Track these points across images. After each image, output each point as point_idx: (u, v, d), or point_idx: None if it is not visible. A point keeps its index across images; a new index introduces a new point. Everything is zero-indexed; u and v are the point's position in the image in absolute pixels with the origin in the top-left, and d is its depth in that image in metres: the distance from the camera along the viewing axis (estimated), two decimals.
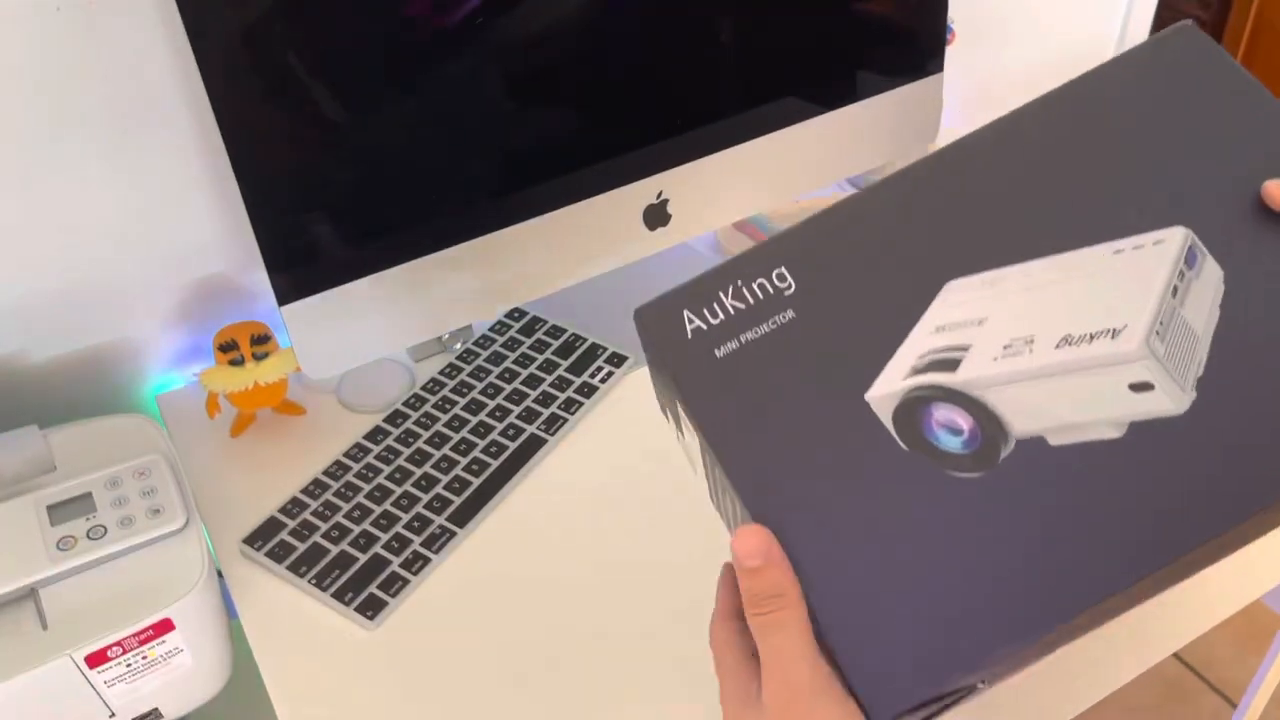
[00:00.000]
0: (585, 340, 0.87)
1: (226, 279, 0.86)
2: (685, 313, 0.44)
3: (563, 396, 0.82)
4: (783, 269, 0.44)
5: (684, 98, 0.78)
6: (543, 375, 0.84)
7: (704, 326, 0.44)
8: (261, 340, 0.79)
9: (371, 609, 0.68)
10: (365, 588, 0.69)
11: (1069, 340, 0.41)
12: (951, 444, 0.41)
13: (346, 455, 0.79)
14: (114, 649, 0.59)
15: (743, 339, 0.44)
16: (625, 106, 0.75)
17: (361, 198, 0.68)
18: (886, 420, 0.41)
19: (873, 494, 0.40)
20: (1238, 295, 0.41)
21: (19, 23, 0.69)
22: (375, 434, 0.80)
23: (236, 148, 0.62)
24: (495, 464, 0.77)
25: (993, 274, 0.43)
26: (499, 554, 0.72)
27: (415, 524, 0.73)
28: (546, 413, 0.81)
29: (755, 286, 0.44)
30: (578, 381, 0.84)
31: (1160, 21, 1.65)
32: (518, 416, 0.81)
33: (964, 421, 0.41)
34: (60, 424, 0.72)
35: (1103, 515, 0.38)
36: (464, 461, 0.77)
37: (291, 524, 0.74)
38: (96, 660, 0.59)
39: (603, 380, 0.84)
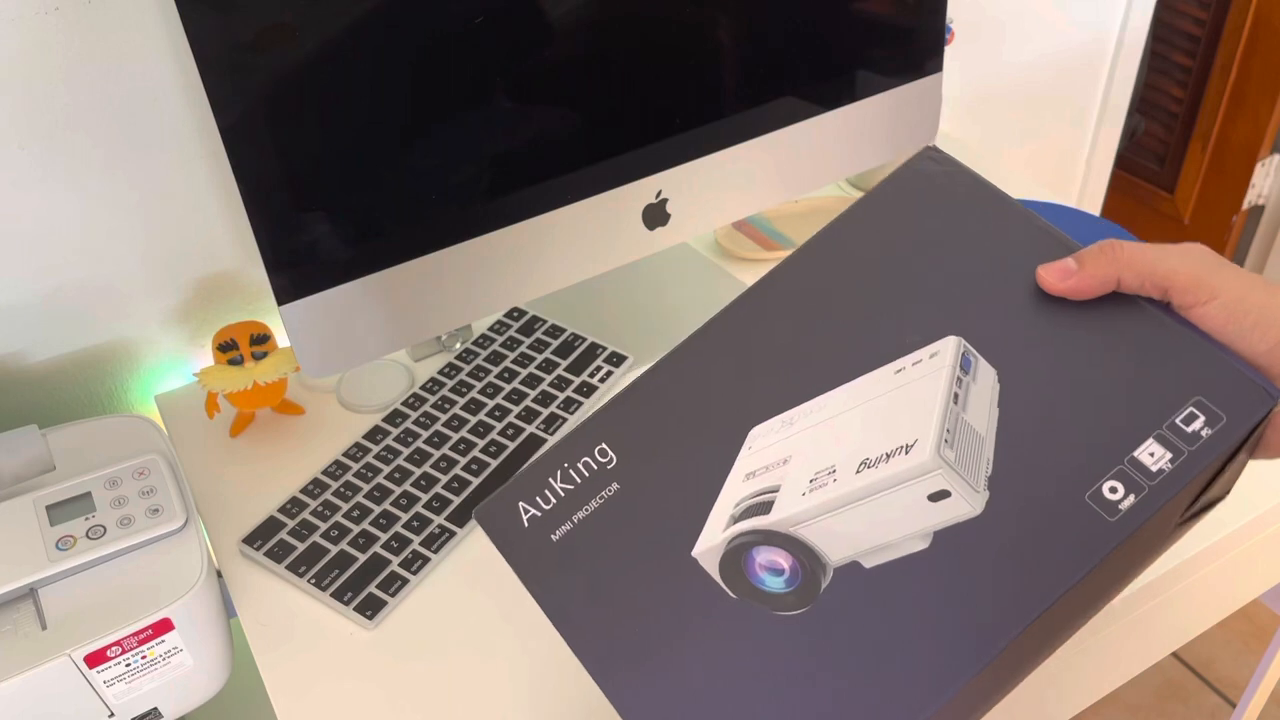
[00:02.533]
0: (584, 340, 0.87)
1: (226, 279, 0.86)
2: (520, 505, 0.47)
3: (562, 396, 0.82)
4: (604, 444, 0.47)
5: (683, 97, 0.77)
6: (542, 375, 0.84)
7: (538, 514, 0.46)
8: (261, 340, 0.79)
9: (371, 608, 0.68)
10: (364, 587, 0.69)
11: (867, 463, 0.43)
12: (775, 585, 0.42)
13: (346, 455, 0.79)
14: (113, 649, 0.59)
15: (575, 519, 0.46)
16: (624, 106, 0.75)
17: (361, 197, 0.68)
18: (715, 573, 0.43)
19: (709, 650, 0.42)
20: (1013, 389, 0.43)
21: (18, 23, 0.69)
22: (374, 434, 0.80)
23: (236, 147, 0.62)
24: (495, 464, 0.77)
25: (789, 414, 0.45)
26: (498, 554, 0.72)
27: (414, 523, 0.73)
28: (546, 412, 0.81)
29: (580, 466, 0.46)
30: (577, 381, 0.84)
31: (1159, 22, 1.65)
32: (517, 416, 0.81)
33: (784, 561, 0.43)
34: (60, 424, 0.72)
35: (921, 629, 0.40)
36: (463, 461, 0.77)
37: (291, 523, 0.74)
38: (96, 660, 0.58)
39: (601, 380, 0.84)
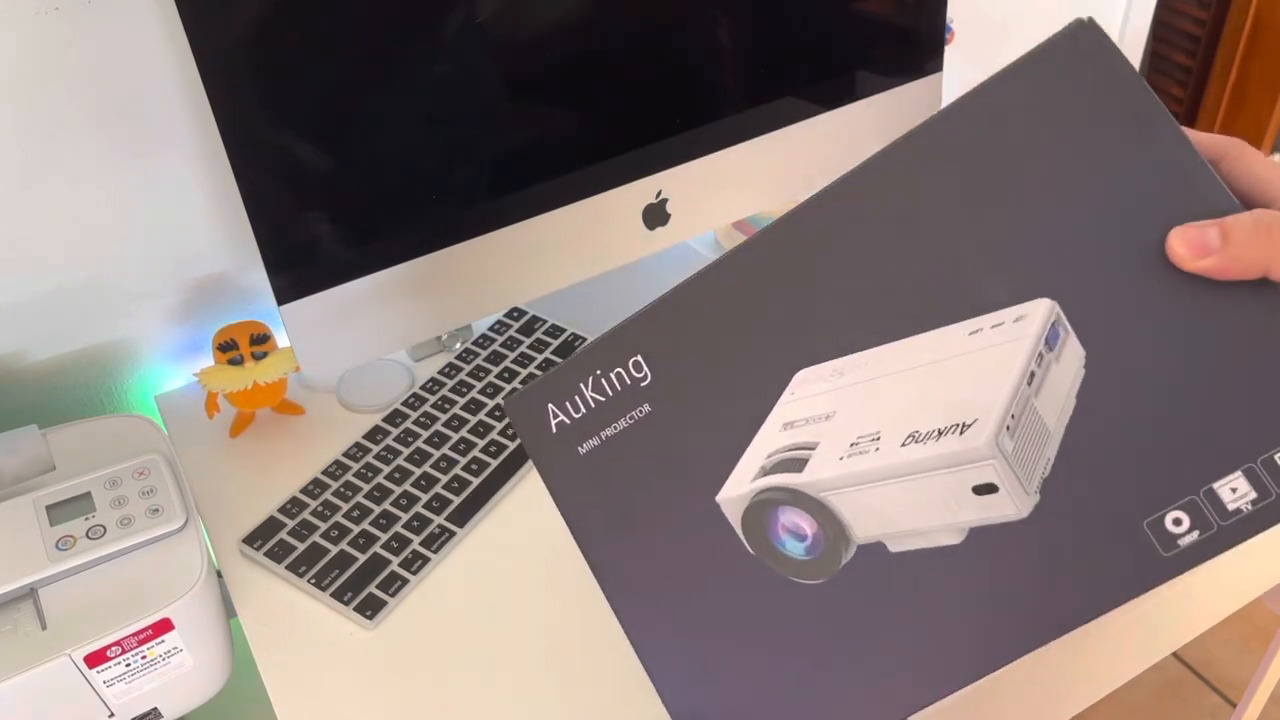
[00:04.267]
0: (584, 340, 0.87)
1: (225, 278, 0.86)
2: (550, 406, 0.44)
3: None
4: (639, 358, 0.43)
5: (683, 97, 0.77)
6: (541, 375, 0.84)
7: (567, 421, 0.44)
8: (261, 340, 0.79)
9: (371, 608, 0.68)
10: (364, 587, 0.69)
11: (916, 437, 0.38)
12: (795, 550, 0.40)
13: (346, 455, 0.78)
14: (113, 649, 0.59)
15: (603, 435, 0.43)
16: (624, 106, 0.75)
17: (360, 197, 0.68)
18: (736, 523, 0.41)
19: (722, 600, 0.41)
20: (1099, 378, 0.36)
21: (18, 22, 0.69)
22: (374, 434, 0.80)
23: (236, 147, 0.62)
24: (494, 463, 0.77)
25: (842, 362, 0.39)
26: (498, 554, 0.72)
27: (414, 523, 0.73)
28: None
29: (613, 377, 0.43)
30: None
31: (1159, 22, 1.65)
32: None
33: (808, 526, 0.40)
34: (60, 424, 0.72)
35: (932, 628, 0.38)
36: (463, 461, 0.77)
37: (291, 524, 0.74)
38: (96, 660, 0.58)
39: None
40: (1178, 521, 0.35)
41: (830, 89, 0.83)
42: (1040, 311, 0.37)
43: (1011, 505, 0.37)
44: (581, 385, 0.43)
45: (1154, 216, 0.35)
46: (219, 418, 0.83)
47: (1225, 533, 0.35)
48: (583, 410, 0.43)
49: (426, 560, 0.71)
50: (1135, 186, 0.36)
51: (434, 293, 0.73)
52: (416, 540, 0.72)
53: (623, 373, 0.43)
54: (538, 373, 0.84)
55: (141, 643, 0.60)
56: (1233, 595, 0.80)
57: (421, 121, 0.68)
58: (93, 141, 0.75)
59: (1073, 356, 0.36)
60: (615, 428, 0.43)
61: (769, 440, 0.40)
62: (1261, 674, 1.02)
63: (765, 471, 0.40)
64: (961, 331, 0.38)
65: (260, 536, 0.73)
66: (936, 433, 0.38)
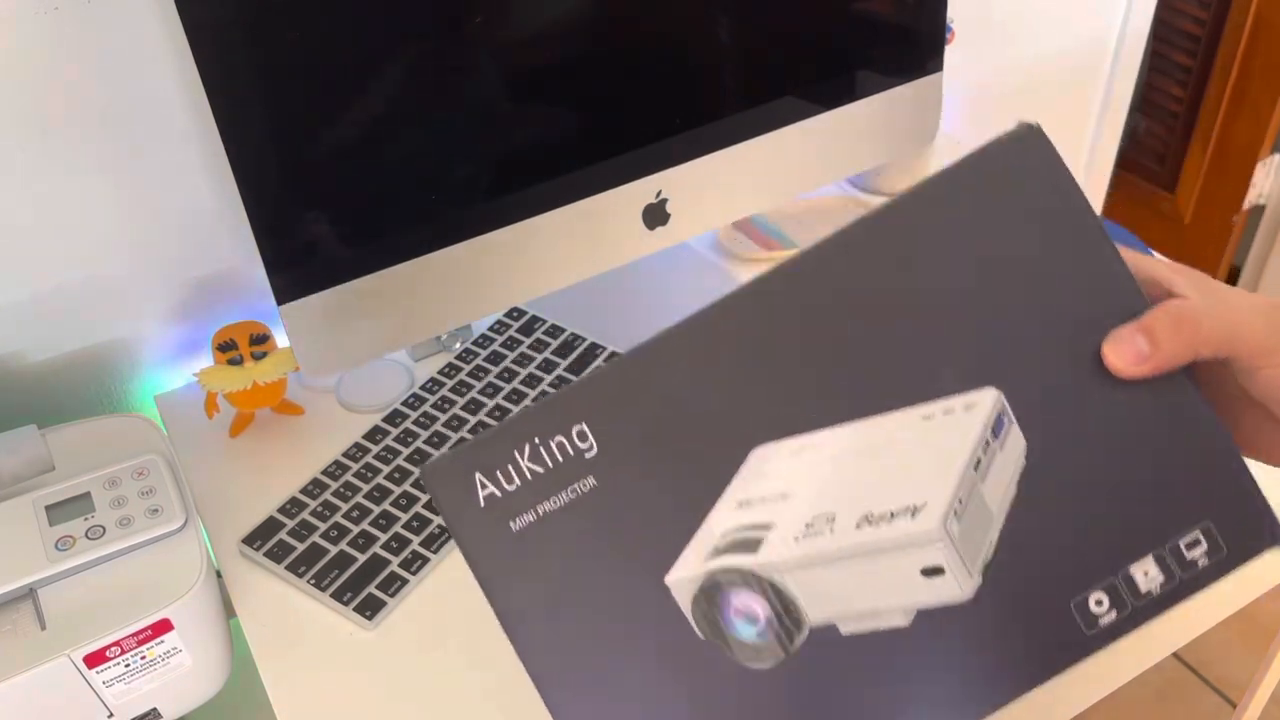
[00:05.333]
0: (584, 340, 0.87)
1: (225, 278, 0.86)
2: (478, 476, 0.39)
3: None
4: (584, 426, 0.39)
5: (683, 97, 0.77)
6: (541, 374, 0.84)
7: (498, 493, 0.39)
8: (260, 340, 0.79)
9: (370, 609, 0.68)
10: (364, 587, 0.69)
11: (869, 519, 0.38)
12: (747, 633, 0.39)
13: (345, 455, 0.78)
14: (113, 649, 0.59)
15: (539, 510, 0.39)
16: (624, 105, 0.75)
17: (360, 197, 0.68)
18: (686, 606, 0.39)
19: (667, 690, 0.38)
20: (1038, 468, 0.38)
21: (18, 22, 0.69)
22: (374, 434, 0.80)
23: (235, 147, 0.62)
24: None
25: (800, 440, 0.39)
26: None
27: (414, 524, 0.73)
28: None
29: (554, 446, 0.39)
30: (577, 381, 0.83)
31: (1159, 22, 1.65)
32: None
33: (761, 609, 0.39)
34: (59, 424, 0.72)
35: (881, 707, 0.38)
36: None
37: (290, 524, 0.74)
38: (95, 660, 0.58)
39: None
40: (1099, 602, 0.38)
41: (830, 89, 0.83)
42: (987, 401, 0.38)
43: (956, 588, 0.38)
44: (516, 454, 0.39)
45: (1083, 314, 0.38)
46: (219, 418, 0.83)
47: (1138, 612, 0.38)
48: (516, 482, 0.39)
49: (426, 560, 0.71)
50: (1068, 286, 0.38)
51: (434, 293, 0.73)
52: (416, 540, 0.72)
53: (565, 442, 0.39)
54: (538, 373, 0.84)
55: (141, 643, 0.60)
56: (1233, 595, 0.80)
57: (421, 121, 0.68)
58: (92, 141, 0.75)
59: (1015, 445, 0.38)
60: (555, 501, 0.39)
61: (723, 519, 0.39)
62: (1262, 674, 1.02)
63: (718, 552, 0.39)
64: (916, 415, 0.39)
65: (260, 537, 0.73)
66: (890, 514, 0.38)
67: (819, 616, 0.39)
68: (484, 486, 0.39)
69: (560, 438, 0.39)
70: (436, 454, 0.39)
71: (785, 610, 0.39)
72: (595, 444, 0.39)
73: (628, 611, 0.39)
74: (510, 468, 0.39)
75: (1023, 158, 0.39)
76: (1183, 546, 0.38)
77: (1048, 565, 0.38)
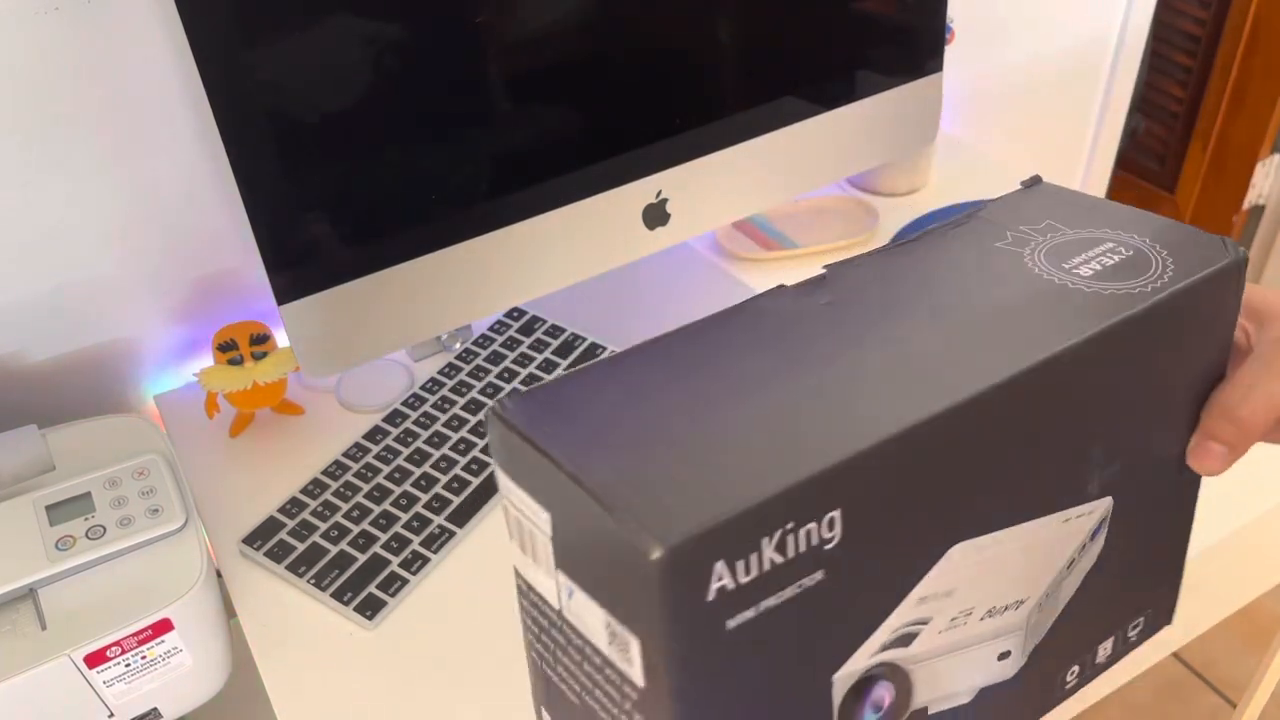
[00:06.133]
0: (584, 339, 0.87)
1: (225, 278, 0.86)
2: (719, 565, 0.31)
3: None
4: (837, 513, 0.33)
5: (683, 97, 0.77)
6: (542, 374, 0.84)
7: (729, 586, 0.31)
8: (260, 340, 0.79)
9: (370, 609, 0.68)
10: (364, 587, 0.69)
11: (992, 612, 0.39)
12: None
13: (345, 455, 0.78)
14: (113, 649, 0.59)
15: (760, 606, 0.32)
16: (624, 105, 0.75)
17: (360, 197, 0.68)
18: (837, 701, 0.36)
19: None
20: (1101, 559, 0.42)
21: (18, 22, 0.69)
22: (374, 434, 0.80)
23: (236, 147, 0.62)
24: (495, 464, 0.77)
25: (987, 539, 0.37)
26: (498, 554, 0.72)
27: (414, 524, 0.73)
28: None
29: (803, 534, 0.32)
30: None
31: (1159, 22, 1.65)
32: None
33: (888, 698, 0.37)
34: (59, 424, 0.72)
35: None
36: (463, 461, 0.77)
37: (290, 524, 0.74)
38: (95, 660, 0.58)
39: None
40: (1073, 673, 0.44)
41: (830, 89, 0.83)
42: (1101, 509, 0.41)
43: (1011, 667, 0.41)
44: (764, 541, 0.31)
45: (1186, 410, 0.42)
46: (219, 418, 0.83)
47: (1085, 680, 0.44)
48: (754, 573, 0.32)
49: (426, 560, 0.71)
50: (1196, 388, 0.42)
51: (434, 293, 0.73)
52: (416, 540, 0.72)
53: (815, 529, 0.33)
54: (538, 373, 0.84)
55: (141, 643, 0.60)
56: (1233, 595, 0.80)
57: (421, 121, 0.68)
58: (93, 141, 0.75)
59: (1096, 547, 0.41)
60: (778, 597, 0.33)
61: (904, 612, 0.36)
62: (1261, 674, 1.02)
63: (885, 646, 0.36)
64: (1058, 520, 0.40)
65: (260, 537, 0.73)
66: (1004, 608, 0.40)
67: (921, 700, 0.39)
68: (720, 578, 0.31)
69: (813, 524, 0.33)
70: (658, 526, 0.30)
71: (900, 695, 0.38)
72: (840, 532, 0.33)
73: (787, 708, 0.35)
74: (754, 557, 0.32)
75: (1226, 287, 0.41)
76: (1129, 627, 0.44)
77: (1057, 649, 0.42)
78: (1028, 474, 0.38)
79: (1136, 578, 0.44)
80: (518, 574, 0.38)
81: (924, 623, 0.37)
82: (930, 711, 0.39)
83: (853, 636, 0.35)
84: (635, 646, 0.32)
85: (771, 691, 0.34)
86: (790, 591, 0.33)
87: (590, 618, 0.34)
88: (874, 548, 0.34)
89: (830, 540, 0.33)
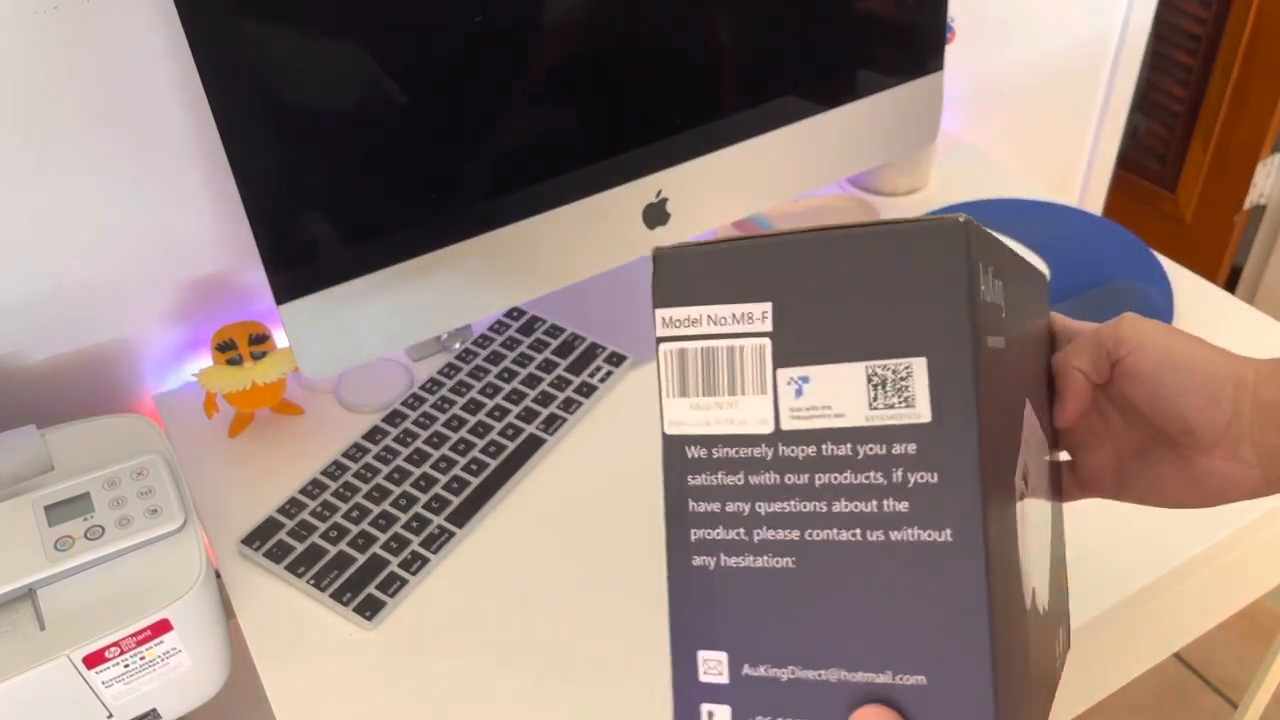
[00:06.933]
0: (584, 339, 0.87)
1: (224, 278, 0.86)
2: (981, 266, 0.32)
3: (562, 396, 0.82)
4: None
5: (683, 96, 0.77)
6: (542, 375, 0.84)
7: (990, 299, 0.33)
8: (259, 340, 0.79)
9: (370, 609, 0.68)
10: (364, 588, 0.69)
11: None
12: None
13: (345, 455, 0.78)
14: (112, 649, 0.59)
15: (1008, 334, 0.36)
16: (624, 105, 0.75)
17: (360, 196, 0.68)
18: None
19: None
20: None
21: (18, 21, 0.69)
22: (374, 434, 0.80)
23: (235, 146, 0.62)
24: (494, 464, 0.77)
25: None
26: (497, 554, 0.72)
27: (414, 524, 0.73)
28: (545, 412, 0.81)
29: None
30: (577, 381, 0.83)
31: (1160, 21, 1.65)
32: (516, 416, 0.81)
33: None
34: (58, 424, 0.72)
35: None
36: (463, 461, 0.77)
37: (290, 524, 0.73)
38: (94, 661, 0.58)
39: (602, 380, 0.84)
40: None
41: (830, 89, 0.83)
42: None
43: None
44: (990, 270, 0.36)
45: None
46: (218, 418, 0.83)
47: None
48: (991, 298, 0.35)
49: (426, 561, 0.71)
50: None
51: (434, 293, 0.73)
52: (416, 541, 0.72)
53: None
54: (538, 373, 0.84)
55: (140, 643, 0.60)
56: (1233, 596, 0.80)
57: (421, 120, 0.68)
58: (92, 141, 0.75)
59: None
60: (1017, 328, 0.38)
61: None
62: (1262, 674, 1.01)
63: None
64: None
65: (259, 537, 0.73)
66: None
67: None
68: (984, 286, 0.33)
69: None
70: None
71: None
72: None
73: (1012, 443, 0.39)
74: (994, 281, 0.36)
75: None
76: None
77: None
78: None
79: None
80: (690, 449, 0.34)
81: None
82: None
83: None
84: (920, 371, 0.31)
85: (1010, 423, 0.34)
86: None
87: (838, 391, 0.32)
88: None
89: None
